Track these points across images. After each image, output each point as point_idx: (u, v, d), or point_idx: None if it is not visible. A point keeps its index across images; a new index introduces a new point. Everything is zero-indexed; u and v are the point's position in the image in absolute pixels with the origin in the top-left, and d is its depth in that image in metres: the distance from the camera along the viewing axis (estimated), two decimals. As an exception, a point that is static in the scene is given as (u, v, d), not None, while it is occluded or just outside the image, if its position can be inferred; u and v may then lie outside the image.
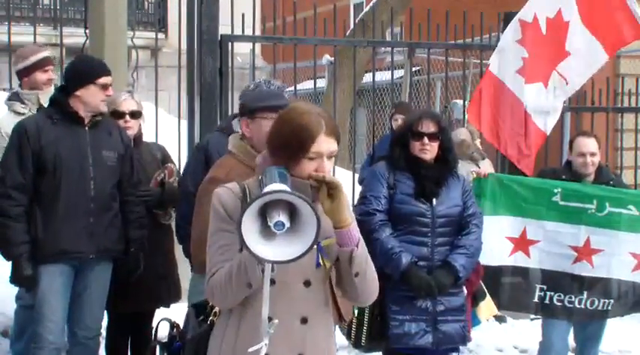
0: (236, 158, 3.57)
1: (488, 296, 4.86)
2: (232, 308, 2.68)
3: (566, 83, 6.03)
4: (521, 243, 5.39)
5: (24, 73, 5.11)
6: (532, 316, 6.80)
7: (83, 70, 4.50)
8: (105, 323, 4.77)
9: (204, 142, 4.43)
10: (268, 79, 5.01)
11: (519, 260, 5.37)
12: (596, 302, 5.31)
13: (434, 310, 4.22)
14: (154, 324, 3.67)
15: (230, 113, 5.99)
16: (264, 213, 2.45)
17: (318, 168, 2.62)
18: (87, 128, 4.40)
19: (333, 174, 2.73)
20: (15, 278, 4.34)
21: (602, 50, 5.93)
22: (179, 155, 6.42)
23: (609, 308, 5.34)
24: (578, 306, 5.31)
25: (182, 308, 5.32)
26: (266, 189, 2.46)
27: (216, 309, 2.79)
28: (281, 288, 2.62)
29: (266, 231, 2.45)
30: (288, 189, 2.48)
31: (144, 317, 4.95)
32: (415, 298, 4.18)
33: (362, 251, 2.67)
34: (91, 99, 4.38)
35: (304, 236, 2.44)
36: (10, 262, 4.33)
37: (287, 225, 2.42)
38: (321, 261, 2.64)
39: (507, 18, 7.01)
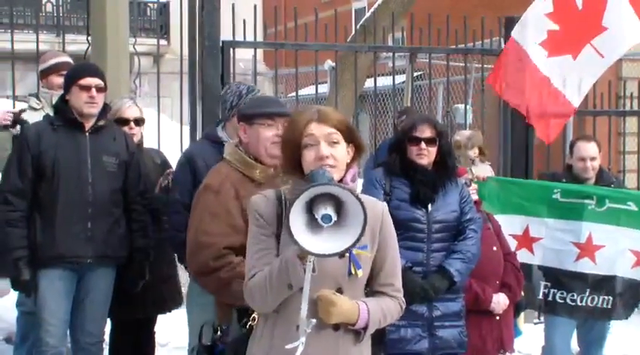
0: (231, 165, 3.58)
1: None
2: (267, 314, 2.73)
3: (602, 57, 6.15)
4: (525, 240, 5.43)
5: (43, 75, 5.27)
6: (535, 320, 6.81)
7: (68, 74, 4.57)
8: (108, 329, 4.78)
9: (190, 151, 4.33)
10: (240, 82, 4.94)
11: (523, 257, 5.38)
12: (596, 299, 5.32)
13: (430, 315, 4.19)
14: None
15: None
16: (310, 210, 2.49)
17: (316, 154, 2.65)
18: (87, 134, 4.42)
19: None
20: (13, 284, 4.37)
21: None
22: (181, 161, 6.44)
23: (610, 306, 5.35)
24: (580, 304, 5.33)
25: (183, 313, 5.34)
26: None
27: (255, 314, 2.84)
28: (313, 296, 2.62)
29: (312, 226, 2.49)
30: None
31: (147, 323, 4.97)
32: (410, 303, 4.17)
33: (371, 327, 2.73)
34: (74, 101, 4.40)
35: (351, 229, 2.46)
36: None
37: (334, 218, 2.45)
38: (352, 269, 2.68)
39: (508, 22, 7.03)
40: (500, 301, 4.51)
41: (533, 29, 6.08)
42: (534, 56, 6.07)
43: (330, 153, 2.66)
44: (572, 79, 6.15)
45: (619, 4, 6.04)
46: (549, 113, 6.19)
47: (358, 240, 2.47)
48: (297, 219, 2.46)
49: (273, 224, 2.68)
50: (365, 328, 2.72)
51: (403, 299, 2.88)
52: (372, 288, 2.81)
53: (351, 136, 2.74)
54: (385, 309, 2.77)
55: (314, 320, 2.60)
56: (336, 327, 2.69)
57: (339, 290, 2.68)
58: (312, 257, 2.50)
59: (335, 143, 2.68)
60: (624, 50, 6.32)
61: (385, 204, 2.95)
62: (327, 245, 2.47)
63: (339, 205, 2.49)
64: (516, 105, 6.31)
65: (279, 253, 2.68)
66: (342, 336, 2.71)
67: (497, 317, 4.53)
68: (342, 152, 2.69)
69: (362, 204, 2.45)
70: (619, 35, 6.08)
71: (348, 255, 2.58)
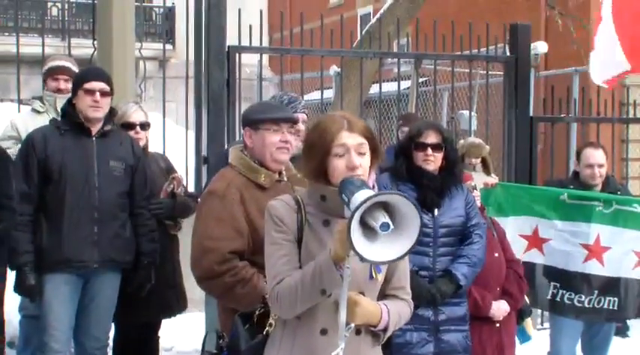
0: (236, 170, 3.58)
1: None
2: (286, 320, 2.74)
3: None
4: (534, 241, 5.47)
5: (43, 77, 5.31)
6: (539, 326, 6.81)
7: (75, 78, 4.60)
8: (112, 333, 4.78)
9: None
10: (285, 91, 5.02)
11: (533, 257, 5.41)
12: (603, 301, 5.33)
13: (435, 319, 4.21)
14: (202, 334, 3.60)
15: (238, 124, 6.01)
16: (361, 219, 2.49)
17: (347, 163, 2.67)
18: (94, 138, 4.43)
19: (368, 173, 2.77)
20: (18, 288, 4.35)
21: None
22: (186, 165, 6.46)
23: (616, 307, 5.36)
24: (587, 306, 5.34)
25: (188, 317, 5.34)
26: (362, 195, 2.48)
27: (271, 320, 2.81)
28: (335, 301, 2.65)
29: (366, 234, 2.49)
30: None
31: (151, 328, 4.97)
32: (416, 307, 4.18)
33: (390, 329, 2.77)
34: (80, 105, 4.42)
35: (403, 233, 2.48)
36: (14, 272, 4.35)
37: (392, 225, 2.46)
38: (373, 273, 2.72)
39: (513, 29, 7.04)
40: (500, 308, 4.51)
41: None
42: None
43: (360, 163, 2.70)
44: None
45: None
46: None
47: (416, 243, 2.50)
48: (355, 230, 2.44)
49: (294, 229, 2.71)
50: (385, 330, 2.76)
51: (412, 302, 2.92)
52: (383, 292, 2.84)
53: (372, 144, 2.78)
54: (400, 311, 2.83)
55: (352, 325, 2.62)
56: (358, 331, 2.72)
57: (361, 294, 2.71)
58: (349, 263, 2.51)
59: (363, 153, 2.73)
60: None
61: None
62: (386, 252, 2.49)
63: (388, 212, 2.50)
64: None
65: (302, 259, 2.70)
66: (364, 339, 2.75)
67: (498, 324, 4.54)
68: (368, 161, 2.74)
69: (418, 209, 2.47)
70: None
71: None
